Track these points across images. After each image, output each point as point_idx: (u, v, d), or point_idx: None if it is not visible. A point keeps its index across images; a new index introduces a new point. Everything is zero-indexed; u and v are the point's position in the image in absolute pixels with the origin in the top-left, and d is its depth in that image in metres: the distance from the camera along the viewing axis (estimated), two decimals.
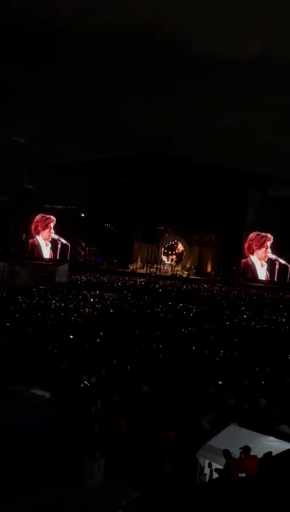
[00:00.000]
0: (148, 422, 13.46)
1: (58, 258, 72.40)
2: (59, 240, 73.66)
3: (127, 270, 69.68)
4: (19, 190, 72.61)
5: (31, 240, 75.03)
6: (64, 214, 73.69)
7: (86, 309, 33.29)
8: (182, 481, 11.39)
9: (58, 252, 73.83)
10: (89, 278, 56.95)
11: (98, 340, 23.39)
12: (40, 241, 74.93)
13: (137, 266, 71.86)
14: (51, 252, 74.39)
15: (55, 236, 74.03)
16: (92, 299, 38.54)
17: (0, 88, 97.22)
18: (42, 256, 73.64)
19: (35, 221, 74.83)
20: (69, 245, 73.09)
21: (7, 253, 63.43)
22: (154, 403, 14.96)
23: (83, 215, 73.73)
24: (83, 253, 73.49)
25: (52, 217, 74.24)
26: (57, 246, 74.11)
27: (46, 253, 74.55)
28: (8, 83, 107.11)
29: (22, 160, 70.65)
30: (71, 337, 23.59)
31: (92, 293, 42.43)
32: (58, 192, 71.15)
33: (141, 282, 56.44)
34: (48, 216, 74.57)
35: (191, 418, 14.17)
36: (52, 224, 74.40)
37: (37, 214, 74.94)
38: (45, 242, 74.90)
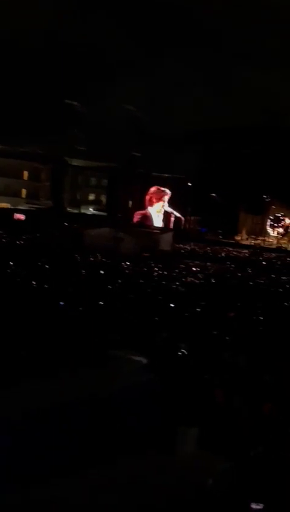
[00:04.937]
0: (245, 394, 13.27)
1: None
2: (172, 213, 73.59)
3: (232, 241, 69.05)
4: (126, 157, 73.27)
5: (143, 211, 75.26)
6: (171, 183, 73.66)
7: (188, 278, 33.28)
8: (276, 456, 11.17)
9: (172, 224, 73.49)
10: (192, 247, 56.88)
11: (198, 310, 23.30)
12: (152, 213, 75.14)
13: (242, 237, 71.07)
14: (163, 223, 74.36)
15: (169, 209, 73.97)
16: (194, 269, 38.50)
17: (112, 57, 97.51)
18: (152, 226, 73.88)
19: (150, 192, 75.12)
20: (183, 218, 72.96)
21: (113, 219, 64.41)
22: (252, 376, 14.72)
23: (189, 184, 73.44)
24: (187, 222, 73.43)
25: (168, 191, 74.15)
26: (170, 219, 74.01)
27: (158, 224, 74.58)
28: (119, 53, 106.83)
29: (132, 128, 71.24)
30: (172, 305, 23.64)
31: (195, 262, 42.38)
32: (165, 160, 71.13)
33: (244, 254, 55.81)
34: (163, 189, 74.63)
35: None
36: (166, 198, 74.42)
37: (144, 182, 75.33)
38: (157, 214, 75.04)
